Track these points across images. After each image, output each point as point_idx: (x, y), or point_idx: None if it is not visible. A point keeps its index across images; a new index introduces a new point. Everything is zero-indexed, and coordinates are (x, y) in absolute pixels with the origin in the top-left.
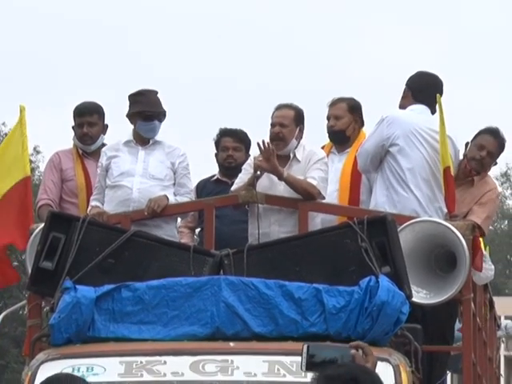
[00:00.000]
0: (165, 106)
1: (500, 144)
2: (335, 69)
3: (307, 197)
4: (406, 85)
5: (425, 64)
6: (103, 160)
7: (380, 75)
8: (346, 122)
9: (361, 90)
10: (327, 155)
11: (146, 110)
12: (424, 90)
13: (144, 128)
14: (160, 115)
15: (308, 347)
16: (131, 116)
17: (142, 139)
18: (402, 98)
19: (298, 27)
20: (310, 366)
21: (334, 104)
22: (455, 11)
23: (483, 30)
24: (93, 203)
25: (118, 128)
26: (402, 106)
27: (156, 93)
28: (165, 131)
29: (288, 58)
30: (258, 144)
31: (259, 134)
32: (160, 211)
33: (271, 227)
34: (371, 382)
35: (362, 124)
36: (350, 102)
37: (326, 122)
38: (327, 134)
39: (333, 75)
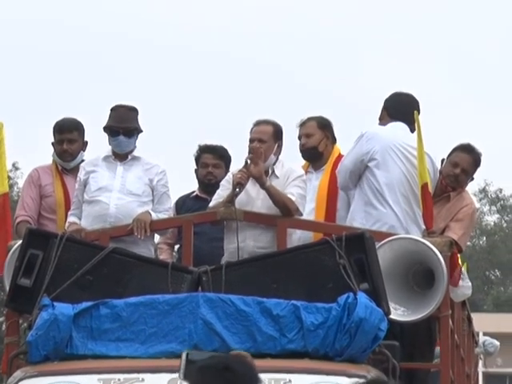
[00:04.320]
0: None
1: (474, 160)
2: (335, 89)
3: (285, 211)
4: (383, 106)
5: (417, 85)
6: (81, 175)
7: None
8: (317, 139)
9: (359, 113)
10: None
11: (111, 125)
12: (399, 107)
13: (112, 143)
14: (128, 130)
15: (187, 354)
16: (105, 131)
17: (120, 155)
18: (379, 119)
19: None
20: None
21: (303, 123)
22: (442, 39)
23: (470, 55)
24: (70, 219)
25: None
26: None
27: (130, 108)
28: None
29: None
30: (249, 147)
31: (241, 149)
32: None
33: (246, 241)
34: (243, 369)
35: (334, 140)
36: (319, 120)
37: (298, 142)
38: (300, 154)
39: (333, 94)
